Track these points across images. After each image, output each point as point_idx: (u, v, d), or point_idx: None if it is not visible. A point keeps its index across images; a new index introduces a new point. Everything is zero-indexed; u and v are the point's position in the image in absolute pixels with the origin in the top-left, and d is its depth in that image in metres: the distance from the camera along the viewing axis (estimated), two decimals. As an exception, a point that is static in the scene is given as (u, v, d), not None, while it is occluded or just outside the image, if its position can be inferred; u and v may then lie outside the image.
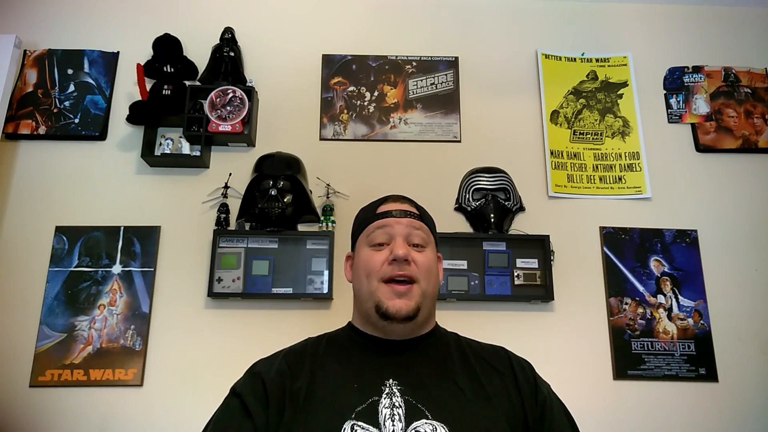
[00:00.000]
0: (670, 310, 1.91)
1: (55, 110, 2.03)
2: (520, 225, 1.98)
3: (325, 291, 1.84)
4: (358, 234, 1.08)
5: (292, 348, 1.04)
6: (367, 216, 1.07)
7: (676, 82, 2.19)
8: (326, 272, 1.85)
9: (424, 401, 0.90)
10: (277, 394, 0.92)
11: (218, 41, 2.07)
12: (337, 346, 1.02)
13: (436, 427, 0.87)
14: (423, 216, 1.08)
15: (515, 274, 1.89)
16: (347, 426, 0.85)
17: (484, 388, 0.95)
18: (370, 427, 0.86)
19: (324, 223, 1.90)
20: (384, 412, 0.88)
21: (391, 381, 0.92)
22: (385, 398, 0.90)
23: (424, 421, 0.87)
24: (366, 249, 1.03)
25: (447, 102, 2.12)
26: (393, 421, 0.87)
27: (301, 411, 0.89)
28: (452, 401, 0.92)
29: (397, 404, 0.89)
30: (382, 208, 1.06)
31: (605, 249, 1.96)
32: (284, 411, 0.90)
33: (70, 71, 2.08)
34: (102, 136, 2.01)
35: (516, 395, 0.96)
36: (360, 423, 0.86)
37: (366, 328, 1.03)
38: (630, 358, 1.85)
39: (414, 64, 2.16)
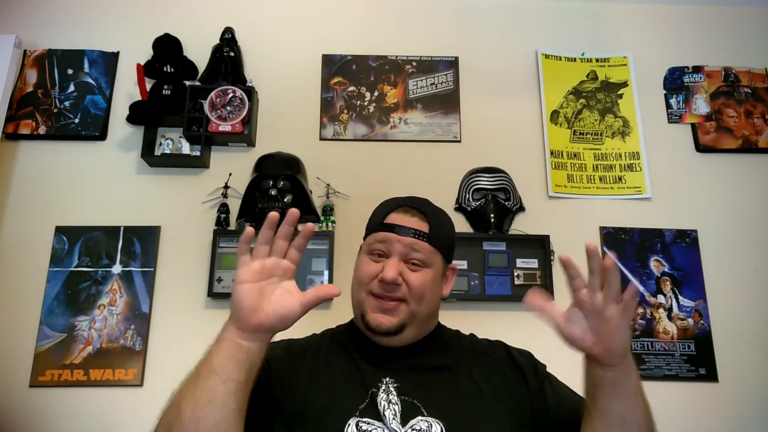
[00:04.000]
0: (670, 310, 1.91)
1: (55, 110, 2.03)
2: (520, 225, 1.98)
3: (325, 291, 1.83)
4: (366, 233, 1.06)
5: (297, 341, 1.04)
6: (376, 221, 1.04)
7: (676, 82, 2.19)
8: (326, 272, 1.85)
9: (419, 398, 0.91)
10: (275, 379, 0.94)
11: (218, 41, 2.07)
12: (339, 344, 1.03)
13: (432, 424, 0.87)
14: (432, 234, 1.00)
15: (515, 274, 1.89)
16: (352, 422, 0.86)
17: (482, 383, 0.96)
18: (375, 422, 0.87)
19: (324, 223, 1.90)
20: (383, 404, 0.89)
21: (387, 379, 0.93)
22: (382, 394, 0.91)
23: (420, 418, 0.88)
24: (364, 255, 1.02)
25: (447, 102, 2.12)
26: (392, 416, 0.88)
27: (305, 406, 0.90)
28: (447, 398, 0.92)
29: (393, 401, 0.90)
30: (390, 219, 1.01)
31: (605, 249, 1.96)
32: (277, 400, 0.91)
33: (70, 71, 2.08)
34: (102, 136, 2.01)
35: (516, 384, 0.97)
36: (364, 419, 0.87)
37: (362, 329, 1.04)
38: (630, 358, 1.85)
39: (414, 64, 2.16)
